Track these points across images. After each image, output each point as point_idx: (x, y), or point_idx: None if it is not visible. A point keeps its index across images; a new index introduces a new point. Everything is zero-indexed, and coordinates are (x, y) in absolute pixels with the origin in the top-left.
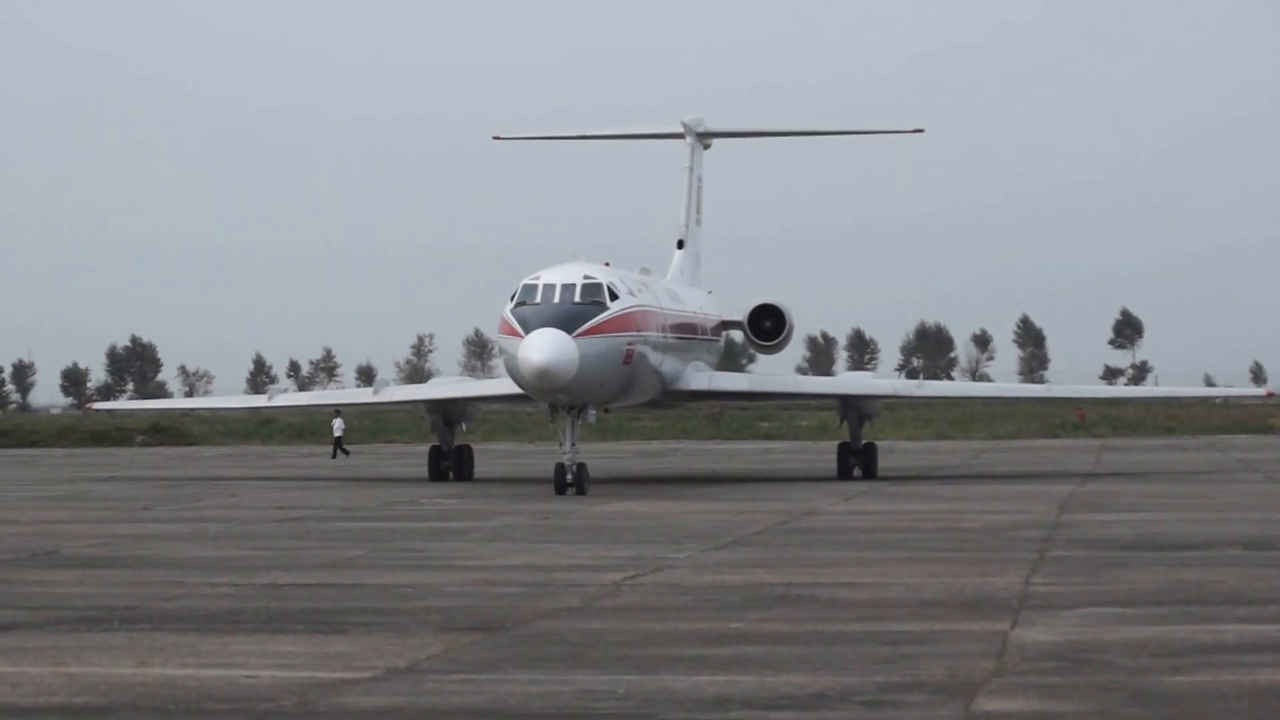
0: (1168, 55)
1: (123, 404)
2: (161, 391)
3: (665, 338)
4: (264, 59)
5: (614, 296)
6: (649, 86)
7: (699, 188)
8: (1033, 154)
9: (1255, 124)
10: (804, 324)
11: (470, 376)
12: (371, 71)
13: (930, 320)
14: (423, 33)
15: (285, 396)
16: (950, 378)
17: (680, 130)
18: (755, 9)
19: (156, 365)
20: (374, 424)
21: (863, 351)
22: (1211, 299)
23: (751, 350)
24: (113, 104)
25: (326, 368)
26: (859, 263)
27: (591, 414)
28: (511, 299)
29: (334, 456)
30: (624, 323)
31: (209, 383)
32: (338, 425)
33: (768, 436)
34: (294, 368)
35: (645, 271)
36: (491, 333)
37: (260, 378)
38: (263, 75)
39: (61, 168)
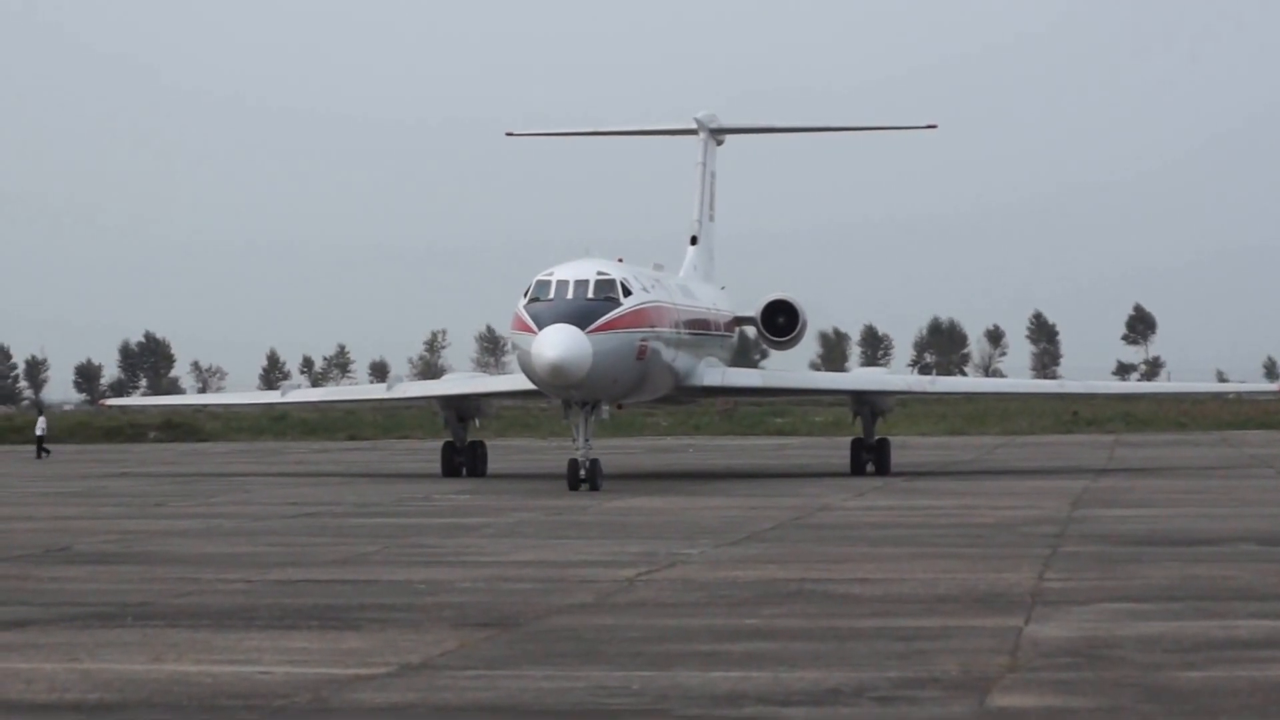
0: (1186, 56)
1: (136, 400)
2: (175, 387)
3: (678, 334)
4: (281, 59)
5: (627, 292)
6: (662, 84)
7: (712, 184)
8: (1046, 152)
9: (1272, 126)
10: (817, 320)
11: (483, 372)
12: (386, 69)
13: (943, 316)
14: (437, 30)
15: (298, 393)
16: (963, 373)
17: (693, 126)
18: (769, 8)
19: (170, 361)
20: (387, 420)
21: (876, 347)
22: (1224, 295)
23: (764, 346)
24: (126, 102)
25: (340, 364)
26: (872, 259)
27: (605, 410)
28: (525, 295)
29: (39, 456)
30: (637, 319)
31: (222, 379)
32: (40, 424)
33: (781, 432)
34: (307, 364)
35: (658, 267)
36: (504, 329)
37: (274, 374)
38: (279, 74)
39: (73, 164)
